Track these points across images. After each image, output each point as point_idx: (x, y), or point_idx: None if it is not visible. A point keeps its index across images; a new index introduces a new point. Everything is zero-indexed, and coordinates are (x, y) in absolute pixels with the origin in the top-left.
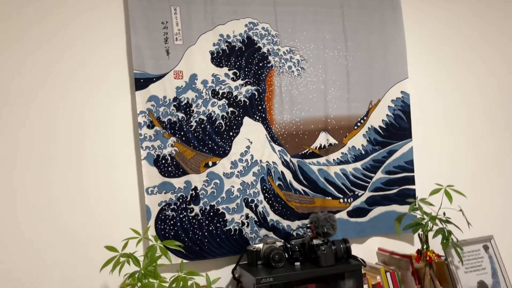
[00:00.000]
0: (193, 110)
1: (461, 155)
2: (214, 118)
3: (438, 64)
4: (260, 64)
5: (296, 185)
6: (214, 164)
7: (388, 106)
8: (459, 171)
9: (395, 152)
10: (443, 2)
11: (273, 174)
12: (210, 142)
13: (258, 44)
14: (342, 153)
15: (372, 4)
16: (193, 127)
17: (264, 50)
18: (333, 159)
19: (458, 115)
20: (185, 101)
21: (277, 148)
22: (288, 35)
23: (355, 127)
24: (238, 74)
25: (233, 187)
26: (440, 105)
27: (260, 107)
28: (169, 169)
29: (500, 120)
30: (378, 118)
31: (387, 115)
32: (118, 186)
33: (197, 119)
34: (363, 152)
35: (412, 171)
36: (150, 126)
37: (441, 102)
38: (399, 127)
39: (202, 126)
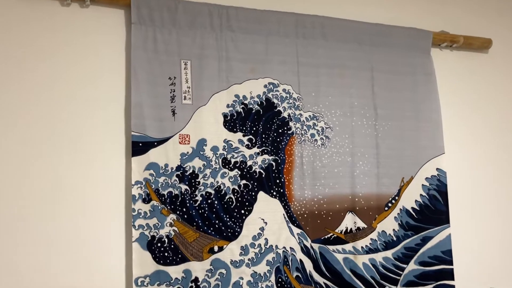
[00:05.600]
0: (199, 182)
1: (510, 246)
2: (223, 192)
3: (480, 139)
4: (280, 131)
5: (317, 277)
6: (221, 249)
7: (422, 184)
8: (508, 264)
9: (431, 239)
10: (482, 72)
11: (290, 264)
12: (217, 222)
13: (278, 108)
14: (371, 239)
15: (403, 70)
16: (198, 202)
17: (285, 114)
18: (361, 247)
19: (506, 198)
20: (191, 171)
21: (296, 230)
22: (311, 99)
23: (386, 208)
24: (254, 141)
25: (242, 279)
26: (483, 186)
27: (278, 181)
28: (166, 254)
29: None
30: (411, 198)
31: (421, 195)
32: (102, 274)
33: (203, 193)
34: (394, 239)
35: (451, 263)
36: (146, 200)
37: (484, 182)
38: (434, 209)
39: (209, 201)
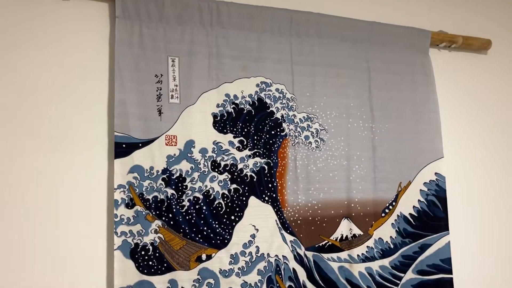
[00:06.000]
0: (186, 186)
1: (509, 255)
2: (212, 196)
3: (480, 143)
4: (272, 132)
5: (310, 287)
6: (209, 257)
7: (420, 190)
8: (509, 273)
9: (429, 247)
10: (481, 73)
11: (282, 273)
12: (205, 228)
13: (271, 109)
14: (367, 246)
15: (401, 70)
16: (185, 207)
17: (278, 115)
18: (358, 255)
19: (508, 204)
20: (177, 174)
21: (289, 238)
22: (306, 99)
23: (383, 215)
24: (245, 143)
25: None
26: (484, 191)
27: (270, 185)
28: (150, 263)
29: None
30: (408, 204)
31: (419, 200)
32: (81, 285)
33: (191, 198)
34: (391, 246)
35: (450, 272)
36: (130, 205)
37: (485, 187)
38: (433, 216)
39: (197, 207)
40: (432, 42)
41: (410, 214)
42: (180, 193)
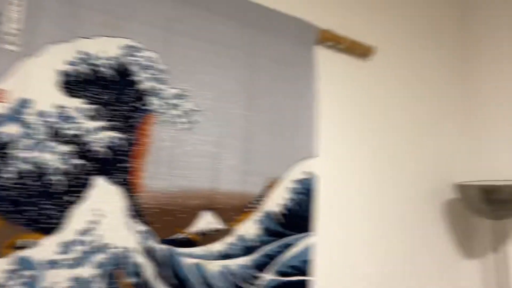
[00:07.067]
0: (11, 154)
1: (373, 260)
2: (45, 170)
3: (353, 147)
4: (134, 105)
5: (159, 285)
6: (31, 244)
7: (290, 187)
8: (371, 278)
9: (293, 247)
10: (362, 78)
11: (126, 267)
12: (31, 208)
13: (137, 77)
14: (227, 243)
15: (284, 60)
16: (8, 180)
17: (144, 86)
18: (216, 251)
19: (376, 211)
20: (2, 139)
21: (139, 227)
22: (180, 74)
23: (248, 210)
24: (97, 112)
25: (59, 284)
26: (354, 196)
27: (122, 165)
28: None
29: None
30: (275, 201)
31: (287, 198)
32: None
33: (17, 169)
34: (253, 244)
35: (312, 274)
36: None
37: (355, 192)
38: (300, 215)
39: (22, 180)
40: (319, 39)
41: (276, 211)
42: (2, 162)
